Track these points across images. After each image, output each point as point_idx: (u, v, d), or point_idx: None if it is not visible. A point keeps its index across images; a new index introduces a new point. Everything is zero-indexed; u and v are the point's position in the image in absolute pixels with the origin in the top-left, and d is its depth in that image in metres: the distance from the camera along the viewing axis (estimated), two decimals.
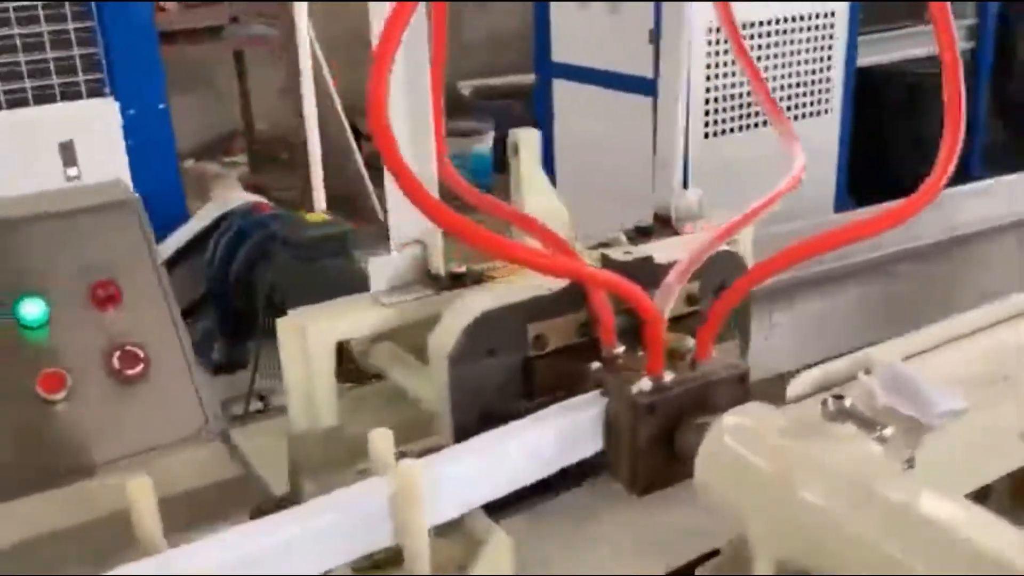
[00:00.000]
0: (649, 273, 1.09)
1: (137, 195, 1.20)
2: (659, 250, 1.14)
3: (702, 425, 0.90)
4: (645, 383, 0.94)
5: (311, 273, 1.73)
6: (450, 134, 4.73)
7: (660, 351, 0.95)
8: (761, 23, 3.35)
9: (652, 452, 0.93)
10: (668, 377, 0.94)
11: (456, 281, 1.17)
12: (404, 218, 1.15)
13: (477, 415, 1.02)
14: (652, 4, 3.15)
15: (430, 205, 0.87)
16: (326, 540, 0.83)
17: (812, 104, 3.54)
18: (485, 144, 5.22)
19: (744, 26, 3.31)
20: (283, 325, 1.10)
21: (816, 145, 3.58)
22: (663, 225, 1.31)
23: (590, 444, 0.98)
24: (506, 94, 5.86)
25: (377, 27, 1.07)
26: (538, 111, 3.83)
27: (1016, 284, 1.47)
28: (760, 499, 0.79)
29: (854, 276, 2.78)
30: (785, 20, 3.39)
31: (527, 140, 1.25)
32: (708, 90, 3.26)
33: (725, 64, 3.27)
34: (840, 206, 3.63)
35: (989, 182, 3.53)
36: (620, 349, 1.04)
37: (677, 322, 1.07)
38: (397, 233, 1.15)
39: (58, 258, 1.12)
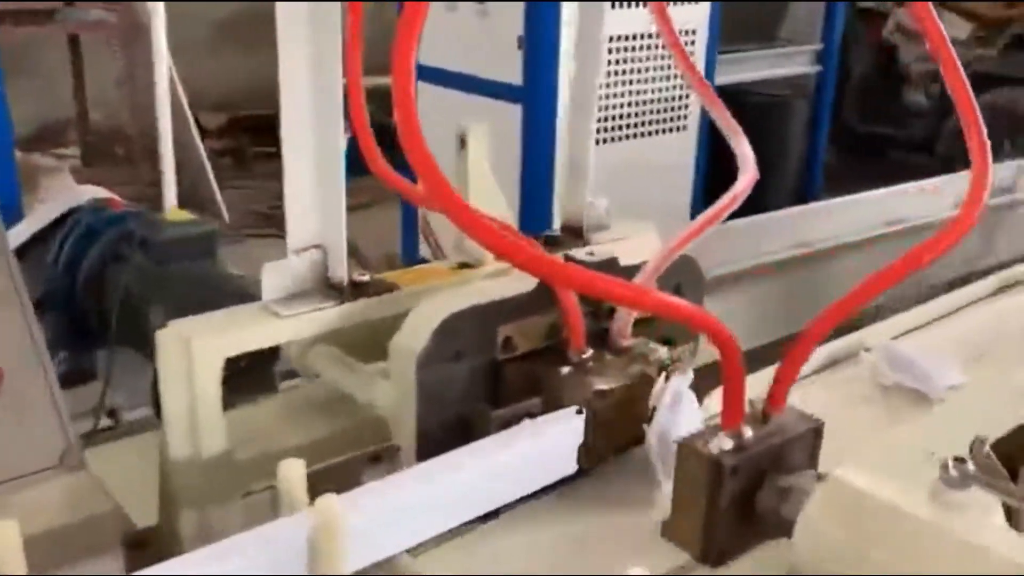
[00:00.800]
0: (613, 275, 1.03)
1: None
2: (619, 252, 1.10)
3: (787, 489, 0.85)
4: (725, 440, 0.84)
5: (172, 277, 1.58)
6: None
7: (742, 403, 0.86)
8: (624, 37, 3.38)
9: (731, 517, 0.85)
10: (748, 433, 0.85)
11: (358, 290, 1.07)
12: (302, 220, 1.04)
13: (442, 421, 0.96)
14: (522, 9, 3.12)
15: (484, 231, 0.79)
16: None
17: (671, 120, 3.60)
18: None
19: (615, 38, 3.33)
20: (164, 338, 0.97)
21: (674, 159, 3.65)
22: (572, 236, 1.25)
23: (564, 467, 0.92)
24: None
25: (284, 27, 0.97)
26: None
27: None
28: (887, 565, 0.75)
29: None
30: (648, 36, 3.43)
31: (476, 133, 1.18)
32: None
33: (606, 74, 3.28)
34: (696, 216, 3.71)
35: (835, 201, 3.72)
36: (589, 352, 0.99)
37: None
38: (294, 237, 1.04)
39: None
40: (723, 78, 3.80)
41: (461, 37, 3.26)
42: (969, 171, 0.87)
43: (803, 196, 4.67)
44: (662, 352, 1.01)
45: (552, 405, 0.95)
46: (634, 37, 3.40)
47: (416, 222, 3.85)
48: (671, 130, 3.60)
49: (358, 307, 1.05)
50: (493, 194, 1.21)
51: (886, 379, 1.15)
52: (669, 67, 3.51)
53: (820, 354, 1.22)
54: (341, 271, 1.05)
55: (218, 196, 4.31)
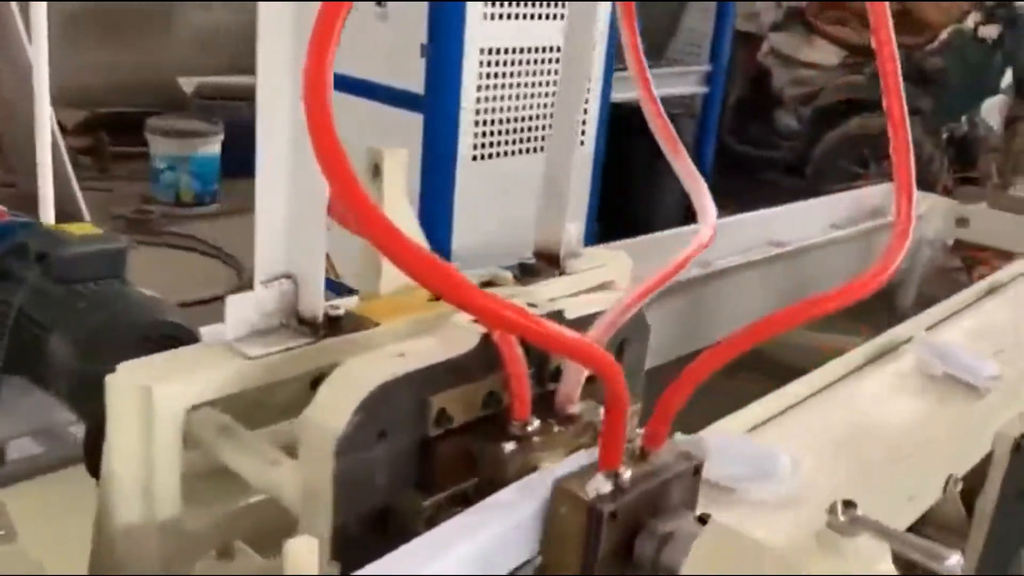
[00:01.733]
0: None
1: None
2: (570, 304, 0.98)
3: (668, 535, 0.78)
4: (602, 483, 0.77)
5: (76, 298, 1.40)
6: (173, 134, 4.37)
7: (622, 443, 0.78)
8: (523, 50, 3.32)
9: (609, 565, 0.77)
10: (626, 473, 0.77)
11: (333, 326, 0.95)
12: (272, 246, 0.91)
13: (363, 513, 0.80)
14: (425, 17, 3.02)
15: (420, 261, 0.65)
16: None
17: None
18: (212, 147, 4.80)
19: (506, 51, 3.27)
20: (117, 385, 0.83)
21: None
22: (548, 263, 1.16)
23: (524, 551, 0.80)
24: (234, 95, 5.46)
25: (264, 34, 0.84)
26: None
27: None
28: None
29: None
30: (547, 49, 3.38)
31: (392, 160, 1.05)
32: (478, 112, 3.17)
33: (495, 87, 3.20)
34: (589, 233, 3.70)
35: (724, 221, 3.78)
36: (535, 424, 0.87)
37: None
38: (263, 265, 0.91)
39: None
40: (616, 95, 3.80)
41: (359, 40, 3.12)
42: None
43: (689, 214, 4.75)
44: None
45: (492, 486, 0.82)
46: (534, 50, 3.35)
47: None
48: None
49: (334, 345, 0.93)
50: (409, 225, 1.09)
51: (935, 370, 1.20)
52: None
53: (865, 348, 1.29)
54: (316, 305, 0.93)
55: (79, 199, 3.99)
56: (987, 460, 1.34)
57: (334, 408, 0.78)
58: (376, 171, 1.05)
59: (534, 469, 0.83)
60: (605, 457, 0.78)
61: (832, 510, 0.74)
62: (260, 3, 0.83)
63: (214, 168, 4.82)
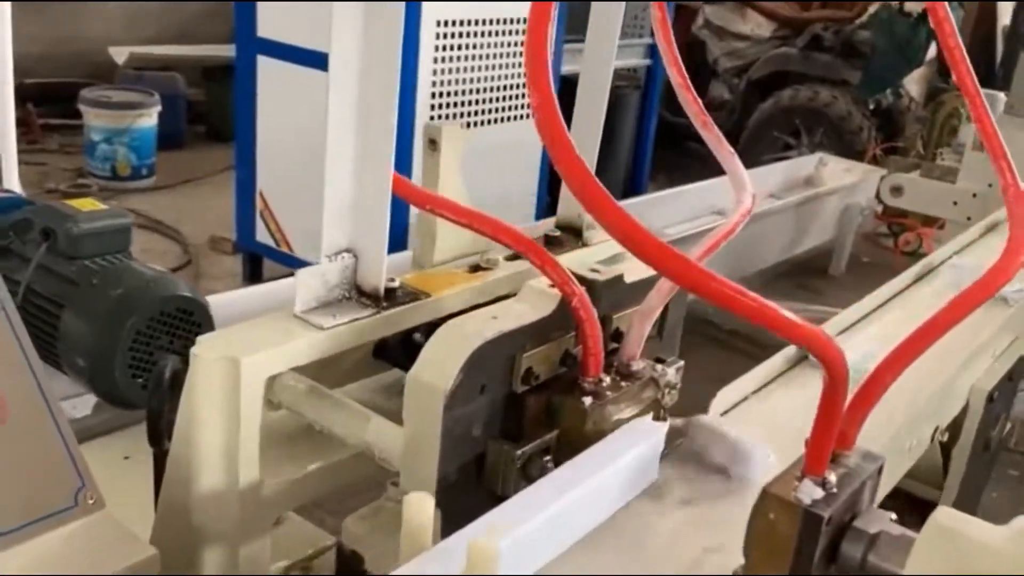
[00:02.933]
0: (619, 294, 1.00)
1: None
2: (627, 269, 1.04)
3: (876, 536, 0.79)
4: (813, 489, 0.77)
5: (88, 274, 1.39)
6: (109, 106, 4.27)
7: (831, 446, 0.79)
8: (477, 22, 3.35)
9: (818, 568, 0.78)
10: (832, 477, 0.78)
11: (390, 297, 0.99)
12: (338, 222, 0.95)
13: (463, 463, 0.87)
14: None
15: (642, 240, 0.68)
16: None
17: (523, 107, 3.61)
18: (149, 119, 4.69)
19: (460, 23, 3.29)
20: (203, 355, 0.85)
21: (524, 146, 3.67)
22: (571, 235, 1.22)
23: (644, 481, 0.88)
24: (166, 65, 5.33)
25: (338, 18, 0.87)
26: (240, 89, 3.51)
27: None
28: None
29: None
30: (501, 21, 3.42)
31: (449, 134, 1.09)
32: (435, 84, 3.19)
33: (452, 59, 3.22)
34: (540, 204, 3.76)
35: (670, 192, 3.89)
36: (606, 380, 0.94)
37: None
38: (329, 240, 0.95)
39: None
40: (568, 67, 3.85)
41: (316, 12, 3.10)
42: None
43: (633, 185, 4.84)
44: (670, 374, 1.00)
45: (573, 438, 0.90)
46: (487, 22, 3.37)
47: (253, 205, 3.65)
48: (520, 117, 3.62)
49: (396, 315, 0.98)
50: (462, 196, 1.13)
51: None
52: (518, 54, 3.52)
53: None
54: (377, 278, 0.97)
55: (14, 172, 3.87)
56: (963, 414, 1.46)
57: (441, 367, 0.83)
58: (433, 145, 1.10)
59: (610, 421, 0.90)
60: (812, 462, 0.78)
61: None
62: None
63: (151, 140, 4.72)
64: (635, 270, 1.01)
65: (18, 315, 0.90)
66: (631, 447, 0.88)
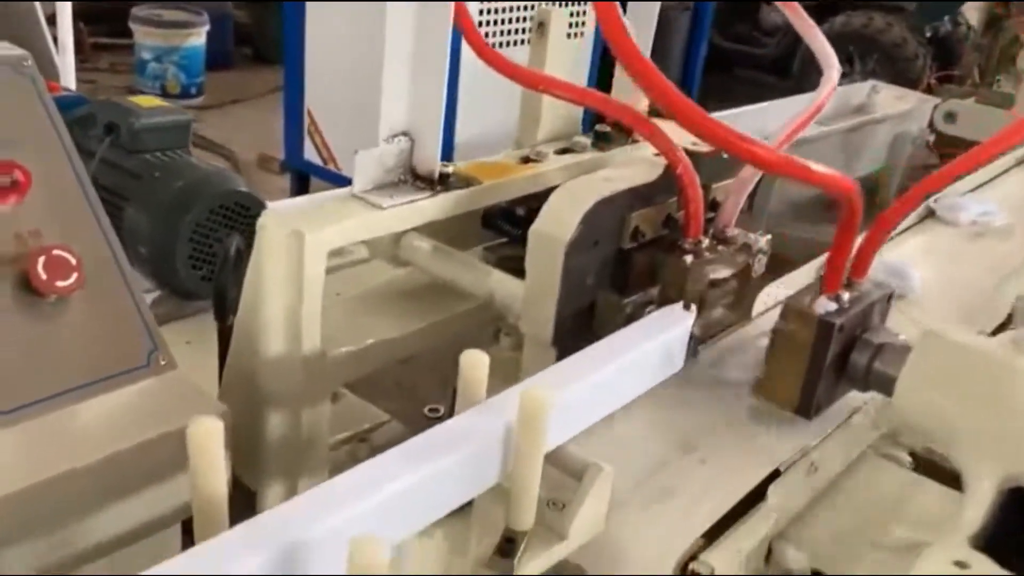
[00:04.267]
0: (717, 166, 1.06)
1: (27, 52, 0.91)
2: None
3: (881, 346, 0.93)
4: (827, 304, 0.91)
5: (150, 168, 1.44)
6: (159, 25, 4.27)
7: (844, 271, 0.94)
8: None
9: (830, 372, 0.92)
10: (845, 296, 0.92)
11: (444, 182, 1.02)
12: (395, 105, 0.98)
13: (577, 309, 0.96)
14: None
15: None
16: (440, 482, 0.69)
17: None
18: (198, 38, 4.72)
19: None
20: (269, 228, 0.89)
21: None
22: (621, 132, 1.24)
23: (675, 364, 0.94)
24: None
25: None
26: (289, 8, 3.51)
27: None
28: (985, 412, 0.80)
29: None
30: None
31: (557, 17, 1.15)
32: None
33: None
34: (586, 119, 3.74)
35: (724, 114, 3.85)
36: (705, 242, 1.00)
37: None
38: (386, 122, 0.98)
39: None
40: None
41: None
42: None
43: None
44: (761, 242, 1.05)
45: (673, 293, 0.96)
46: None
47: (301, 124, 3.68)
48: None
49: (451, 199, 1.01)
50: (568, 77, 1.18)
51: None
52: None
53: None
54: (432, 162, 1.00)
55: (56, 59, 3.92)
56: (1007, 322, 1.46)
57: (562, 220, 0.93)
58: (542, 28, 1.14)
59: (706, 279, 0.99)
60: (829, 282, 0.93)
61: None
62: None
63: (200, 60, 4.76)
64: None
65: (94, 189, 0.94)
66: (661, 332, 0.91)
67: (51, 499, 0.75)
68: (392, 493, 0.65)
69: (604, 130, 1.23)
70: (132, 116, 1.45)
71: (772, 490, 0.90)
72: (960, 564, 0.72)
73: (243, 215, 1.43)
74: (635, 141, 1.24)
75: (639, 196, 0.98)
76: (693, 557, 0.81)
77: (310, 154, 3.66)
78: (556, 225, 0.92)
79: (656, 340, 0.91)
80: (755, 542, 0.85)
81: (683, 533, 0.82)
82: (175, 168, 1.43)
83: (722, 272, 1.00)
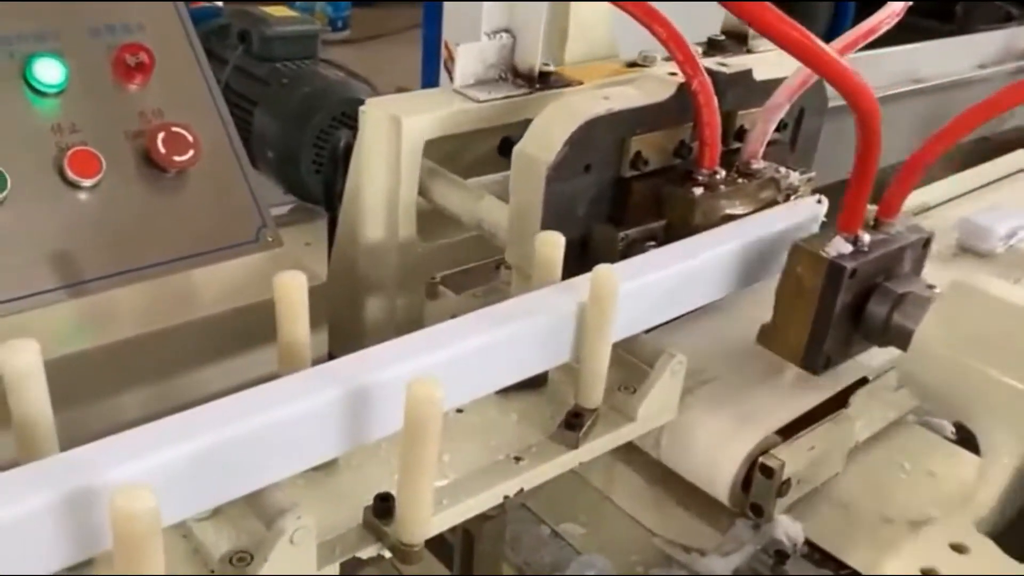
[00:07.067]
0: (747, 91, 0.99)
1: None
2: (755, 64, 1.04)
3: (902, 296, 0.82)
4: (842, 244, 0.80)
5: (278, 75, 1.51)
6: None
7: (865, 205, 0.82)
8: None
9: (842, 323, 0.82)
10: (865, 238, 0.81)
11: (545, 81, 1.03)
12: (498, 1, 0.99)
13: (565, 239, 0.89)
14: None
15: None
16: (511, 347, 0.72)
17: None
18: None
19: None
20: (371, 115, 0.93)
21: None
22: (736, 41, 1.21)
23: (715, 290, 0.89)
24: None
25: None
26: None
27: None
28: (1015, 379, 0.71)
29: None
30: None
31: None
32: None
33: None
34: None
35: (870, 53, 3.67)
36: (721, 173, 0.93)
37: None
38: (489, 17, 0.99)
39: (73, 12, 0.89)
40: None
41: None
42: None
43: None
44: (794, 177, 0.97)
45: (680, 229, 0.90)
46: None
47: (438, 58, 3.74)
48: None
49: (549, 96, 1.02)
50: None
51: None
52: None
53: None
54: (532, 59, 1.01)
55: None
56: None
57: (546, 140, 0.85)
58: None
59: (720, 215, 0.90)
60: (845, 220, 0.81)
61: None
62: None
63: None
64: (769, 69, 0.99)
65: (215, 79, 1.00)
66: (737, 239, 0.88)
67: (163, 348, 0.83)
68: (463, 350, 0.68)
69: (719, 38, 1.21)
70: (263, 25, 1.53)
71: (855, 399, 0.88)
72: (957, 547, 0.67)
73: None
74: (749, 51, 1.21)
75: (643, 118, 0.89)
76: (764, 452, 0.81)
77: (446, 85, 3.71)
78: (539, 146, 0.84)
79: (734, 245, 0.88)
80: (829, 443, 0.84)
81: (756, 428, 0.82)
82: (302, 76, 1.50)
83: (740, 208, 0.92)
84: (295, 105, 1.46)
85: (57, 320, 0.82)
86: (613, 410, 0.79)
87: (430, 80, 3.78)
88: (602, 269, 0.72)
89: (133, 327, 0.82)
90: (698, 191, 0.91)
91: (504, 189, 0.91)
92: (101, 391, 0.80)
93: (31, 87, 0.86)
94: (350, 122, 1.47)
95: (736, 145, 1.00)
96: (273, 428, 0.59)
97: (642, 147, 0.91)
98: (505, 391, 0.76)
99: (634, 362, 0.82)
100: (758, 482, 0.80)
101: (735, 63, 1.02)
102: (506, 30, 1.01)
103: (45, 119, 0.86)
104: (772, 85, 0.97)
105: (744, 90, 0.98)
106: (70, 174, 0.84)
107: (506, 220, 0.90)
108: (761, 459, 0.80)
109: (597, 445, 0.77)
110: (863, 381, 0.89)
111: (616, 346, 0.76)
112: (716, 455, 0.81)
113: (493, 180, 1.03)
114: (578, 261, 0.86)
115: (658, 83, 0.93)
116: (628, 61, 1.14)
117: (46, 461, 0.53)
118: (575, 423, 0.76)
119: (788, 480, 0.80)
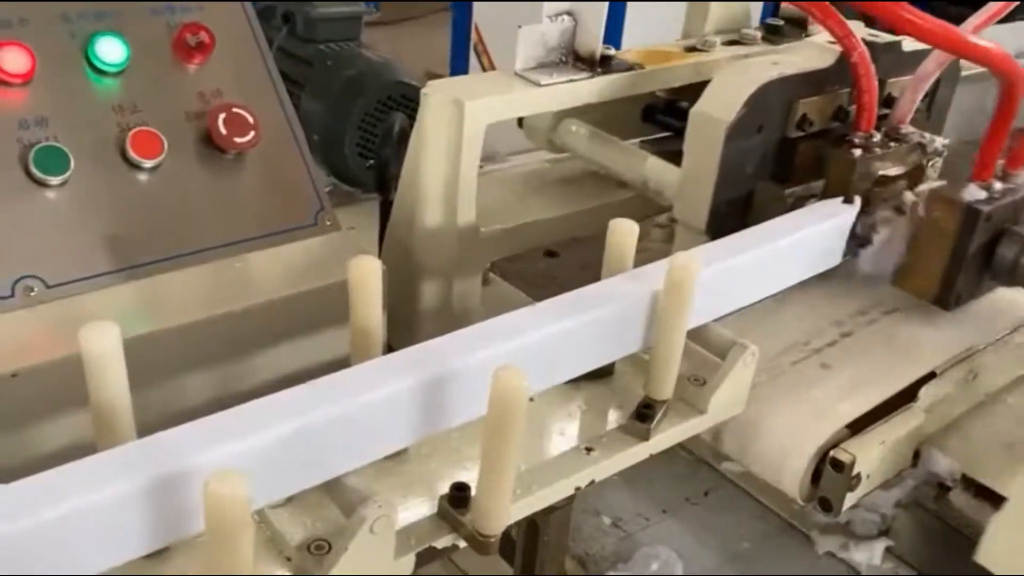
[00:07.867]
0: (895, 60, 1.02)
1: None
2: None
3: None
4: (976, 191, 0.87)
5: (323, 57, 1.50)
6: None
7: (997, 158, 0.90)
8: None
9: (973, 264, 0.88)
10: (997, 185, 0.88)
11: (605, 65, 1.02)
12: None
13: (734, 197, 0.94)
14: None
15: None
16: (583, 337, 0.71)
17: None
18: None
19: None
20: (432, 96, 0.92)
21: None
22: (794, 26, 1.19)
23: (831, 258, 0.91)
24: None
25: None
26: None
27: None
28: None
29: None
30: None
31: None
32: None
33: None
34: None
35: None
36: (876, 136, 0.96)
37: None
38: (551, 1, 0.98)
39: None
40: None
41: None
42: None
43: None
44: (939, 142, 0.99)
45: (839, 188, 0.93)
46: None
47: (468, 41, 3.71)
48: None
49: (610, 82, 1.00)
50: None
51: None
52: None
53: None
54: (593, 43, 1.00)
55: None
56: None
57: (725, 102, 0.90)
58: None
59: (875, 176, 0.94)
60: (980, 169, 0.89)
61: None
62: None
63: None
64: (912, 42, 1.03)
65: (274, 62, 0.99)
66: (820, 222, 0.89)
67: (224, 333, 0.82)
68: (539, 338, 0.67)
69: (777, 23, 1.19)
70: (307, 6, 1.52)
71: (924, 391, 0.87)
72: None
73: (409, 106, 1.48)
74: (808, 36, 1.19)
75: (809, 83, 0.94)
76: (835, 446, 0.80)
77: (475, 70, 3.69)
78: (718, 106, 0.90)
79: (813, 229, 0.88)
80: (899, 438, 0.83)
81: (827, 422, 0.81)
82: (346, 58, 1.49)
83: (892, 170, 0.95)
84: (340, 87, 1.45)
85: (117, 303, 0.81)
86: (683, 401, 0.78)
87: (460, 64, 3.77)
88: (681, 256, 0.71)
89: (193, 311, 0.81)
90: (857, 152, 0.95)
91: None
92: (162, 376, 0.80)
93: (93, 66, 0.85)
94: (396, 105, 1.46)
95: (885, 111, 1.03)
96: (354, 415, 0.58)
97: (807, 109, 0.96)
98: (572, 380, 0.75)
99: (703, 352, 0.81)
100: (828, 476, 0.79)
101: (885, 35, 1.06)
102: (568, 13, 0.99)
103: (106, 98, 0.85)
104: (918, 56, 1.01)
105: (893, 59, 1.02)
106: (132, 155, 0.83)
107: (673, 178, 0.96)
108: (832, 453, 0.79)
109: (667, 437, 0.76)
110: (931, 375, 0.88)
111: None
112: (786, 448, 0.80)
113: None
114: (742, 216, 0.94)
115: (820, 51, 0.98)
116: (688, 46, 1.13)
117: (134, 444, 0.52)
118: (646, 414, 0.74)
119: (858, 474, 0.79)
